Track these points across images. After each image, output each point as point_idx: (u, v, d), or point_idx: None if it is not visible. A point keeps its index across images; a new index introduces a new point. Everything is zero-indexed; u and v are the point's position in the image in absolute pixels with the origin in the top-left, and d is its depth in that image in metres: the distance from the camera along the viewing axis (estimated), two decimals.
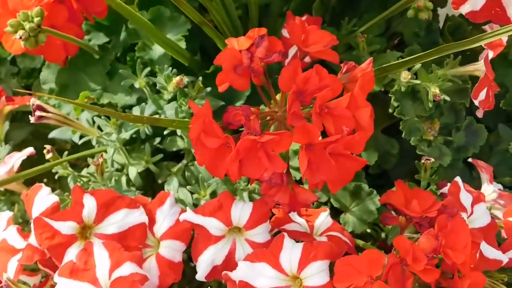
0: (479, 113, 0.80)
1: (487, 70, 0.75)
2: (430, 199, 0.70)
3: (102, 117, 0.80)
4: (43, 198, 0.73)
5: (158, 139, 0.87)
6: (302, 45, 0.66)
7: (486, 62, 0.75)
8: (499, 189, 0.83)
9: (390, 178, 0.95)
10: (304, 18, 0.90)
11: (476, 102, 0.78)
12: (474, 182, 0.90)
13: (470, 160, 0.85)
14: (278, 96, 0.67)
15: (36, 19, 0.72)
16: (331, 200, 0.83)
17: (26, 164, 0.88)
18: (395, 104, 0.82)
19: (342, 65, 0.70)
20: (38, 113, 0.75)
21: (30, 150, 0.87)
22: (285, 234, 0.68)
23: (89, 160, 0.79)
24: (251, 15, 0.89)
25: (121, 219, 0.70)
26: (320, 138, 0.62)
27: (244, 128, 0.63)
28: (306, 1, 0.98)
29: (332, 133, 0.62)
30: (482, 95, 0.78)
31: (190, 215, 0.69)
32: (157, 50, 0.87)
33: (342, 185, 0.67)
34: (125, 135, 0.80)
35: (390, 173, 0.94)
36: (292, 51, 0.77)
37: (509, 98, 0.95)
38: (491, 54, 0.76)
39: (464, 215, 0.73)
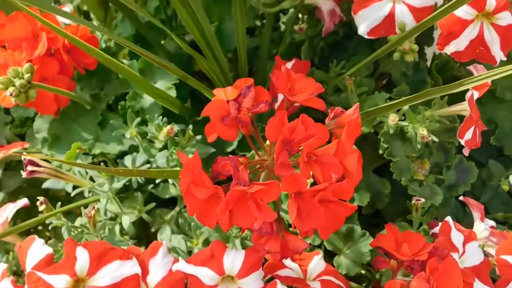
0: (465, 152, 0.81)
1: (471, 111, 0.76)
2: (420, 241, 0.71)
3: None
4: (36, 251, 0.73)
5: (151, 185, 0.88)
6: (288, 94, 0.67)
7: (470, 103, 0.76)
8: (492, 226, 0.84)
9: (384, 217, 0.95)
10: (292, 62, 0.91)
11: (462, 142, 0.78)
12: (468, 218, 0.91)
13: (461, 198, 0.85)
14: (267, 144, 0.68)
15: (26, 76, 0.73)
16: (324, 243, 0.83)
17: (21, 211, 0.89)
18: (385, 145, 0.83)
19: (329, 110, 0.71)
20: (29, 168, 0.75)
21: (24, 201, 0.87)
22: (278, 281, 0.69)
23: (83, 210, 0.79)
24: (239, 60, 0.90)
25: (114, 271, 0.70)
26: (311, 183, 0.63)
27: (233, 178, 0.64)
28: (295, 44, 1.00)
29: (321, 180, 0.63)
30: (469, 134, 0.78)
31: (182, 265, 0.69)
32: (148, 99, 0.88)
33: (333, 231, 0.68)
34: (118, 184, 0.81)
35: (383, 212, 0.95)
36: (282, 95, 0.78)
37: (499, 134, 0.96)
38: (476, 94, 0.77)
39: (455, 255, 0.73)
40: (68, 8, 1.44)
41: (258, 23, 1.12)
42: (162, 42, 1.01)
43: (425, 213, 0.85)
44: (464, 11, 0.77)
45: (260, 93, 0.67)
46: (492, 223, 0.84)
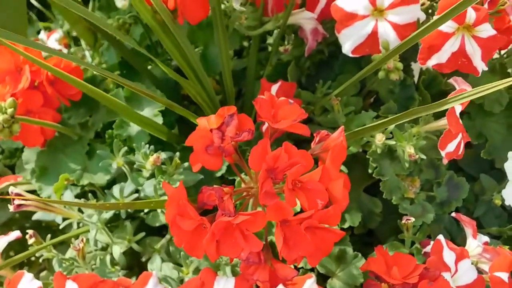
0: (444, 161, 0.80)
1: (450, 124, 0.75)
2: (411, 263, 0.70)
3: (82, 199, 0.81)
4: (26, 285, 0.73)
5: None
6: (271, 121, 0.67)
7: (450, 116, 0.76)
8: (486, 242, 0.83)
9: (377, 236, 0.95)
10: (278, 84, 0.91)
11: (443, 153, 0.78)
12: (462, 234, 0.90)
13: (453, 214, 0.84)
14: (253, 171, 0.68)
15: (9, 110, 0.73)
16: (317, 266, 0.83)
17: (14, 243, 0.88)
18: (374, 165, 0.83)
19: (314, 135, 0.71)
20: (17, 201, 0.75)
21: (16, 234, 0.86)
22: None
23: (72, 242, 0.79)
24: (225, 83, 0.90)
25: None
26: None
27: (218, 208, 0.63)
28: (282, 65, 0.99)
29: (306, 208, 0.62)
30: (451, 147, 0.78)
31: None
32: (135, 127, 0.88)
33: (322, 258, 0.67)
34: (107, 215, 0.81)
35: (376, 231, 0.94)
36: None
37: (489, 147, 0.95)
38: (458, 108, 0.76)
39: (447, 274, 0.73)
40: (58, 34, 1.45)
41: (246, 44, 1.12)
42: (150, 67, 1.01)
43: (417, 232, 0.84)
44: (445, 25, 0.77)
45: (244, 121, 0.67)
46: (486, 238, 0.83)
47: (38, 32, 1.48)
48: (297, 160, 0.62)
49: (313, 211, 0.62)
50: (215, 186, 0.64)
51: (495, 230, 0.94)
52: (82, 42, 1.30)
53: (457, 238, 0.93)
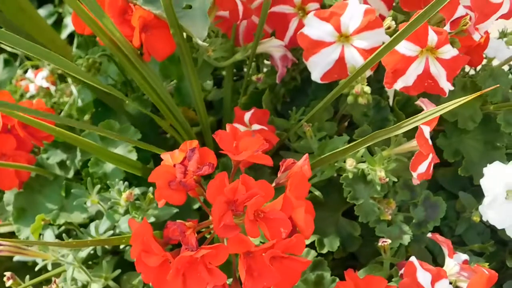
0: (415, 182, 0.80)
1: (420, 146, 0.76)
2: (381, 285, 0.70)
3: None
4: None
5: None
6: (233, 153, 0.67)
7: (419, 138, 0.76)
8: (465, 260, 0.83)
9: (358, 259, 0.95)
10: (251, 111, 0.91)
11: (414, 175, 0.78)
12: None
13: (429, 235, 0.84)
14: None
15: None
16: None
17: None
18: (348, 189, 0.83)
19: (280, 163, 0.71)
20: None
21: None
22: None
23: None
24: (199, 114, 0.91)
25: None
26: None
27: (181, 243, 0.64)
28: (257, 93, 1.00)
29: (269, 238, 0.62)
30: (422, 168, 0.78)
31: None
32: (110, 164, 0.89)
33: (290, 287, 0.67)
34: (83, 253, 0.81)
35: (357, 254, 0.94)
36: None
37: (466, 164, 0.95)
38: (426, 129, 0.77)
39: None
40: (45, 71, 1.47)
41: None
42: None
43: (395, 253, 0.84)
44: (407, 49, 0.78)
45: (206, 155, 0.68)
46: (466, 256, 0.83)
47: (26, 71, 1.51)
48: (255, 191, 0.62)
49: (274, 241, 0.62)
50: (178, 221, 0.65)
51: (477, 247, 0.94)
52: (68, 79, 1.32)
53: (439, 258, 0.92)
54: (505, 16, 0.85)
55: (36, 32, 1.08)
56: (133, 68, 0.81)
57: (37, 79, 1.44)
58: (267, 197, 0.64)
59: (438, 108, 0.67)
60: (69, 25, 1.59)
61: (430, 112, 0.67)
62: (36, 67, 1.51)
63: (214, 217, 0.61)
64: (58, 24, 1.65)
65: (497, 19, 0.84)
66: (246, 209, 0.62)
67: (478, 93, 0.71)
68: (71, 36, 1.60)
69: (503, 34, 1.06)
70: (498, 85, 0.86)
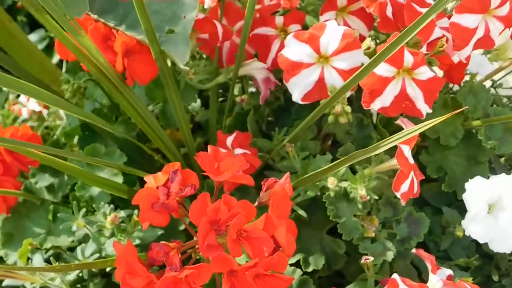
0: (402, 202, 0.81)
1: (401, 165, 0.77)
2: None
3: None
4: None
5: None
6: (214, 174, 0.68)
7: (399, 158, 0.77)
8: (450, 275, 0.84)
9: (345, 276, 0.95)
10: (233, 135, 0.93)
11: (398, 195, 0.79)
12: None
13: (413, 251, 0.85)
14: None
15: None
16: None
17: None
18: (330, 207, 0.84)
19: (262, 183, 0.73)
20: None
21: None
22: None
23: None
24: (184, 137, 0.92)
25: None
26: None
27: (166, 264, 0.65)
28: (242, 114, 1.02)
29: (252, 256, 0.64)
30: (405, 187, 0.79)
31: None
32: (97, 188, 0.90)
33: None
34: (70, 277, 0.82)
35: (344, 272, 0.95)
36: None
37: (449, 180, 0.96)
38: (406, 148, 0.78)
39: None
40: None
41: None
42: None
43: (379, 270, 0.85)
44: (384, 69, 0.80)
45: (188, 176, 0.69)
46: (449, 272, 0.84)
47: (18, 96, 1.52)
48: (237, 211, 0.64)
49: (257, 259, 0.63)
50: (162, 242, 0.66)
51: (462, 262, 0.95)
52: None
53: (424, 273, 0.93)
54: (483, 45, 0.87)
55: (26, 58, 1.10)
56: (118, 93, 0.83)
57: (30, 103, 1.46)
58: (249, 216, 0.65)
59: (417, 126, 0.68)
60: None
61: (409, 130, 0.68)
62: None
63: (199, 237, 0.62)
64: (50, 48, 1.67)
65: (476, 48, 0.86)
66: (228, 229, 0.63)
67: (458, 111, 0.73)
68: (62, 61, 1.62)
69: (487, 51, 1.07)
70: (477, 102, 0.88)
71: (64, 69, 1.23)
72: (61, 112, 1.30)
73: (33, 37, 1.75)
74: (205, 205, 0.64)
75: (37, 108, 1.47)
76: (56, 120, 1.38)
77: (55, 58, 1.62)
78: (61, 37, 0.71)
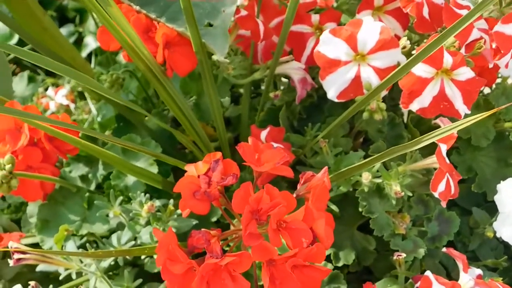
0: (443, 204, 0.82)
1: (440, 164, 0.78)
2: None
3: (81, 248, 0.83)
4: None
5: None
6: (255, 164, 0.69)
7: (438, 156, 0.78)
8: (479, 275, 0.84)
9: (374, 273, 0.96)
10: (267, 129, 0.94)
11: (436, 195, 0.80)
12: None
13: (444, 249, 0.86)
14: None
15: (7, 166, 0.76)
16: None
17: None
18: (363, 203, 0.85)
19: (300, 176, 0.74)
20: (16, 256, 0.78)
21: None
22: None
23: None
24: (218, 130, 0.93)
25: None
26: None
27: (206, 251, 0.66)
28: (274, 110, 1.03)
29: (291, 247, 0.64)
30: (442, 186, 0.80)
31: None
32: (131, 177, 0.91)
33: None
34: (105, 263, 0.83)
35: (372, 268, 0.95)
36: None
37: (479, 181, 0.97)
38: (444, 147, 0.79)
39: None
40: (65, 89, 1.51)
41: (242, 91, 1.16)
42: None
43: (410, 267, 0.86)
44: (423, 70, 0.80)
45: (229, 166, 0.70)
46: (479, 271, 0.85)
47: (46, 89, 1.55)
48: (279, 201, 0.64)
49: (297, 249, 0.64)
50: (203, 229, 0.67)
51: (490, 263, 0.95)
52: (87, 96, 1.35)
53: (454, 272, 0.94)
54: None
55: (57, 50, 1.11)
56: (158, 84, 0.84)
57: (57, 97, 1.48)
58: (289, 207, 0.66)
59: (454, 124, 0.69)
60: (89, 44, 1.64)
61: (445, 128, 0.69)
62: (57, 85, 1.55)
63: (242, 225, 0.62)
64: (78, 43, 1.70)
65: None
66: (269, 219, 0.64)
67: (492, 111, 0.73)
68: (89, 56, 1.64)
69: None
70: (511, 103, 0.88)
71: (93, 63, 1.25)
72: (91, 105, 1.32)
73: (62, 31, 1.77)
74: (247, 194, 0.64)
75: (65, 101, 1.49)
76: (83, 114, 1.40)
77: (84, 53, 1.64)
78: (107, 24, 0.72)
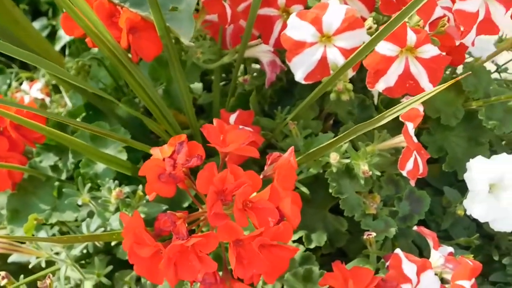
0: (412, 183, 0.83)
1: (407, 142, 0.78)
2: (368, 276, 0.72)
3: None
4: None
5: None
6: (220, 145, 0.69)
7: (405, 134, 0.78)
8: (451, 253, 0.85)
9: (348, 254, 0.96)
10: (236, 113, 0.94)
11: (404, 173, 0.80)
12: None
13: (415, 228, 0.86)
14: None
15: None
16: (285, 287, 0.84)
17: None
18: (333, 184, 0.85)
19: (267, 157, 0.74)
20: None
21: None
22: None
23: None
24: (188, 116, 0.93)
25: None
26: None
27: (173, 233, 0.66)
28: (244, 95, 1.02)
29: (257, 226, 0.64)
30: (409, 165, 0.80)
31: None
32: (101, 164, 0.91)
33: (278, 275, 0.69)
34: (75, 251, 0.83)
35: (346, 249, 0.96)
36: None
37: (450, 160, 0.97)
38: (410, 126, 0.79)
39: (407, 286, 0.74)
40: (40, 83, 1.50)
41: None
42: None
43: (381, 246, 0.86)
44: (387, 49, 0.80)
45: (194, 148, 0.70)
46: (450, 249, 0.85)
47: (21, 83, 1.53)
48: (243, 180, 0.64)
49: (263, 229, 0.64)
50: (168, 212, 0.67)
51: (463, 241, 0.96)
52: (61, 89, 1.34)
53: (426, 251, 0.94)
54: (487, 30, 0.88)
55: (30, 44, 1.10)
56: (125, 71, 0.83)
57: (32, 91, 1.47)
58: (255, 187, 0.66)
59: (417, 96, 0.68)
60: (62, 37, 1.62)
61: (409, 101, 0.69)
62: (31, 79, 1.54)
63: (207, 205, 0.62)
64: (52, 36, 1.68)
65: (480, 33, 0.86)
66: (234, 199, 0.64)
67: (454, 80, 0.72)
68: (64, 49, 1.62)
69: (500, 39, 1.07)
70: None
71: (67, 53, 1.24)
72: (66, 98, 1.31)
73: (35, 25, 1.75)
74: (212, 175, 0.64)
75: (40, 95, 1.47)
76: (59, 107, 1.39)
77: (57, 46, 1.62)
78: (69, 10, 0.72)
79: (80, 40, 1.19)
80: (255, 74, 1.09)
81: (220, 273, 0.69)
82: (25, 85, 1.51)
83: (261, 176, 0.72)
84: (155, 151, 0.71)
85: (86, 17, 0.75)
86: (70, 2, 0.72)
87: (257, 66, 1.08)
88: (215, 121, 0.72)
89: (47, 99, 1.46)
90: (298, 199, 0.71)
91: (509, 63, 1.11)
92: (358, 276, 0.72)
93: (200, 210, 0.71)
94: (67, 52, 1.55)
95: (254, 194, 0.66)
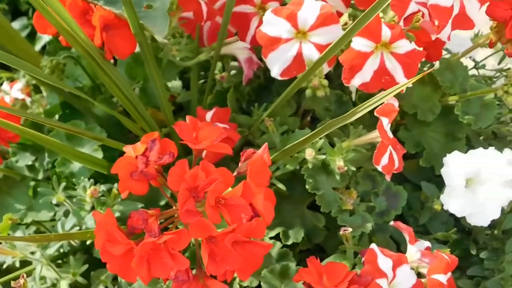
0: (387, 178, 0.83)
1: (382, 137, 0.78)
2: (342, 271, 0.72)
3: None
4: None
5: None
6: (193, 142, 0.69)
7: (380, 129, 0.78)
8: (428, 247, 0.85)
9: (326, 250, 0.96)
10: (213, 110, 0.93)
11: (379, 168, 0.80)
12: None
13: (391, 223, 0.86)
14: None
15: None
16: (262, 283, 0.84)
17: None
18: (309, 180, 0.85)
19: (241, 154, 0.73)
20: None
21: None
22: None
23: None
24: (165, 115, 0.92)
25: None
26: None
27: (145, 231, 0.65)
28: (222, 93, 1.02)
29: (230, 223, 0.64)
30: (385, 160, 0.80)
31: None
32: (77, 163, 0.90)
33: (252, 271, 0.69)
34: (51, 251, 0.82)
35: (324, 246, 0.96)
36: None
37: (427, 155, 0.98)
38: (385, 120, 0.79)
39: (383, 281, 0.74)
40: (20, 83, 1.48)
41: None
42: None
43: (358, 242, 0.86)
44: (362, 44, 0.80)
45: (167, 145, 0.70)
46: (427, 243, 0.85)
47: (1, 84, 1.52)
48: (215, 177, 0.64)
49: (235, 225, 0.64)
50: (140, 209, 0.66)
51: (440, 236, 0.96)
52: (42, 89, 1.33)
53: (403, 246, 0.94)
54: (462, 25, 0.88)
55: (9, 44, 1.09)
56: (99, 69, 0.83)
57: (13, 91, 1.46)
58: (227, 183, 0.66)
59: (390, 89, 0.69)
60: (42, 37, 1.61)
61: (383, 94, 0.69)
62: (12, 80, 1.53)
63: (179, 202, 0.62)
64: (32, 36, 1.67)
65: (456, 28, 0.87)
66: (207, 196, 0.64)
67: (424, 73, 0.72)
68: (44, 49, 1.61)
69: (476, 35, 1.07)
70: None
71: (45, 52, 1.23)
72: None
73: (15, 25, 1.74)
74: (183, 172, 0.64)
75: (20, 96, 1.46)
76: (40, 107, 1.38)
77: (37, 46, 1.61)
78: (41, 8, 0.71)
79: (57, 39, 1.18)
80: (233, 71, 1.09)
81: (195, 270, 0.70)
82: (5, 86, 1.50)
83: (236, 173, 0.72)
84: (128, 149, 0.71)
85: (58, 15, 0.75)
86: (42, 0, 0.72)
87: (236, 63, 1.07)
88: (188, 118, 0.72)
89: (28, 99, 1.45)
90: (272, 196, 0.71)
91: (487, 59, 1.12)
92: (332, 272, 0.72)
93: (174, 207, 0.71)
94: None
95: (228, 190, 0.66)
